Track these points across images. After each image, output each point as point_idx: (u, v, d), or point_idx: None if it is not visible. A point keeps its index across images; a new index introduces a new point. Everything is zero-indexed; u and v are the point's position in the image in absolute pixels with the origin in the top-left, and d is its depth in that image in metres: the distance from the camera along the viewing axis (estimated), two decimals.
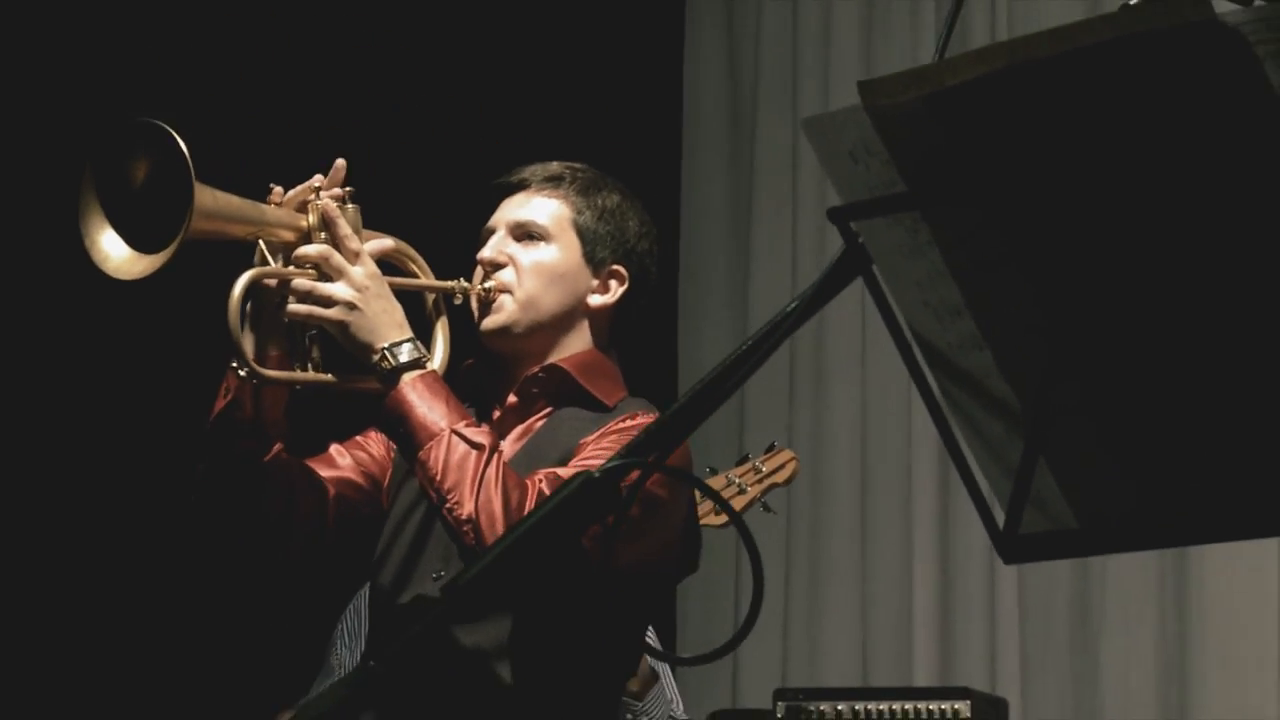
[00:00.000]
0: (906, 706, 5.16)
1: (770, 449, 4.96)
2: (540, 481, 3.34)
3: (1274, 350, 1.97)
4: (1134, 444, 2.07)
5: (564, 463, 3.48)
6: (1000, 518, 2.12)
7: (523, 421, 3.66)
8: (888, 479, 6.44)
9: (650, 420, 3.44)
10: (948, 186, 2.05)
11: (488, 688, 3.46)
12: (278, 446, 3.53)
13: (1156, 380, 2.04)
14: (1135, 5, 2.11)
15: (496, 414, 3.66)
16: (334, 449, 3.70)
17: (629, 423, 3.51)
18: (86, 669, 5.99)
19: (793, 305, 2.15)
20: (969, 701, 5.13)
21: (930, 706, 5.12)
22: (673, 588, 3.65)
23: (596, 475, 2.01)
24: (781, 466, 4.93)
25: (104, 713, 5.93)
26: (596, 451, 3.44)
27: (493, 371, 3.70)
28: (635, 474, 2.10)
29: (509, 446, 3.57)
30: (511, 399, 3.65)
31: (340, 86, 6.38)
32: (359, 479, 3.67)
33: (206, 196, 3.32)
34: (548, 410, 3.65)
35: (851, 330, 6.39)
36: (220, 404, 3.49)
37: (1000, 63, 2.00)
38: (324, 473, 3.63)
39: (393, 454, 3.66)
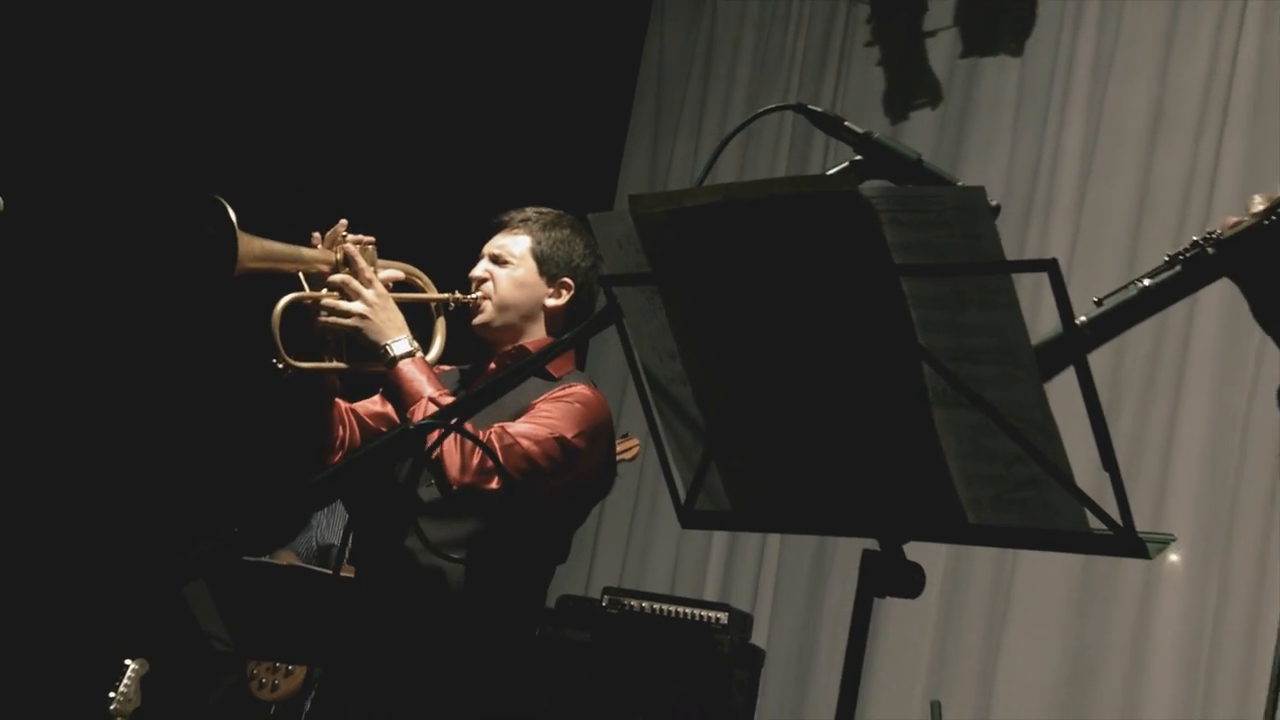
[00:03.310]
0: (686, 610, 5.13)
1: (625, 436, 4.91)
2: (490, 433, 3.32)
3: (859, 407, 1.95)
4: (770, 459, 2.05)
5: (518, 415, 3.44)
6: (683, 497, 2.10)
7: None
8: None
9: (582, 389, 3.46)
10: (676, 273, 2.02)
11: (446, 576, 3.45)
12: (333, 393, 3.53)
13: (785, 419, 2.02)
14: (811, 176, 2.10)
15: (481, 379, 3.62)
16: (378, 397, 3.68)
17: (563, 390, 3.47)
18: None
19: (566, 336, 2.12)
20: (727, 614, 5.10)
21: (701, 613, 5.10)
22: (589, 509, 3.64)
23: (411, 428, 1.98)
24: (629, 449, 4.89)
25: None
26: (540, 410, 3.42)
27: (483, 351, 3.67)
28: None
29: None
30: (491, 367, 3.63)
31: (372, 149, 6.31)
32: (393, 416, 3.61)
33: (255, 246, 3.32)
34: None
35: None
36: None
37: (720, 197, 1.97)
38: (365, 408, 3.62)
39: None
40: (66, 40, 5.73)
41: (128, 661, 4.63)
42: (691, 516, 2.09)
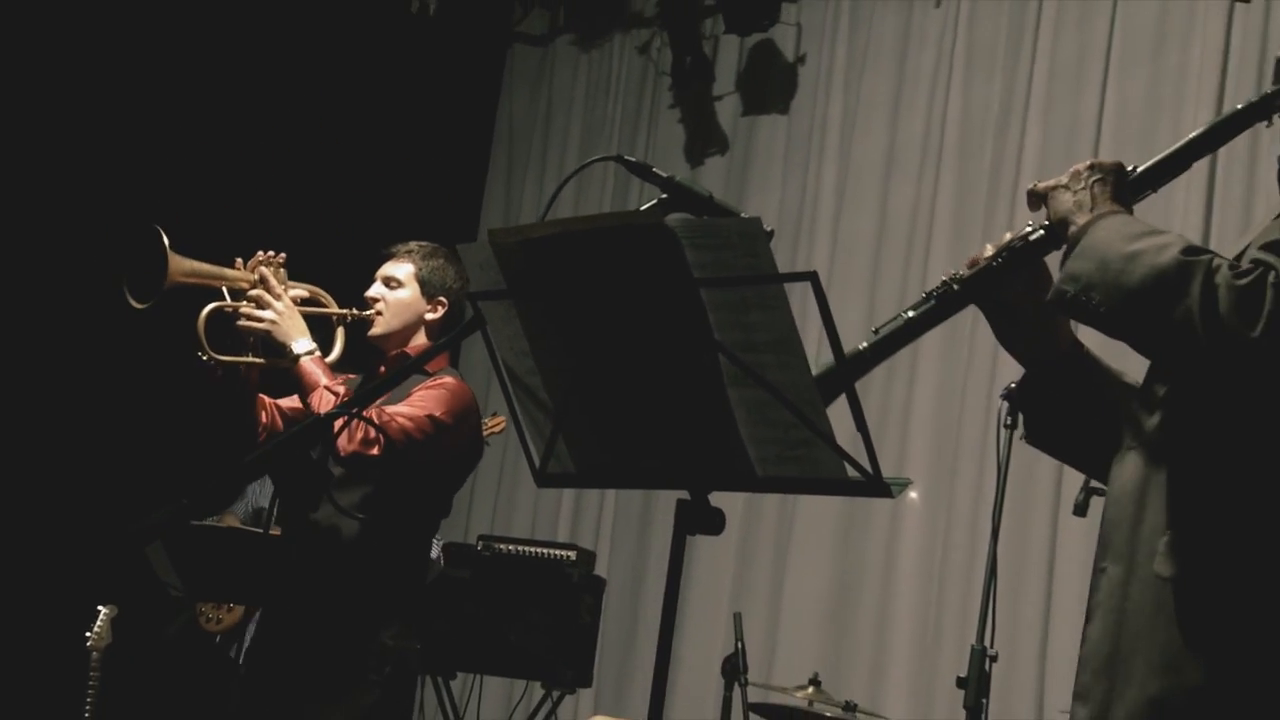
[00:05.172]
0: (543, 550, 5.06)
1: (494, 414, 4.84)
2: (371, 412, 3.24)
3: (671, 389, 1.96)
4: (604, 431, 2.04)
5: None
6: (538, 463, 2.09)
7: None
8: None
9: (450, 380, 3.40)
10: (526, 289, 2.01)
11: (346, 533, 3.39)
12: (254, 389, 3.46)
13: (614, 400, 2.01)
14: (629, 211, 2.09)
15: (373, 379, 3.55)
16: (295, 396, 3.57)
17: (435, 382, 3.41)
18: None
19: (441, 340, 2.09)
20: (575, 552, 5.06)
21: (555, 552, 5.03)
22: (466, 475, 3.60)
23: (322, 416, 1.94)
24: (497, 424, 4.82)
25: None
26: (415, 396, 3.36)
27: (375, 356, 3.60)
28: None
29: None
30: (381, 370, 3.56)
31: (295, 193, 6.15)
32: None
33: (186, 265, 3.26)
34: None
35: None
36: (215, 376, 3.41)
37: (557, 230, 1.96)
38: (286, 404, 3.53)
39: None
40: None
41: (100, 607, 4.50)
42: (545, 478, 2.08)
